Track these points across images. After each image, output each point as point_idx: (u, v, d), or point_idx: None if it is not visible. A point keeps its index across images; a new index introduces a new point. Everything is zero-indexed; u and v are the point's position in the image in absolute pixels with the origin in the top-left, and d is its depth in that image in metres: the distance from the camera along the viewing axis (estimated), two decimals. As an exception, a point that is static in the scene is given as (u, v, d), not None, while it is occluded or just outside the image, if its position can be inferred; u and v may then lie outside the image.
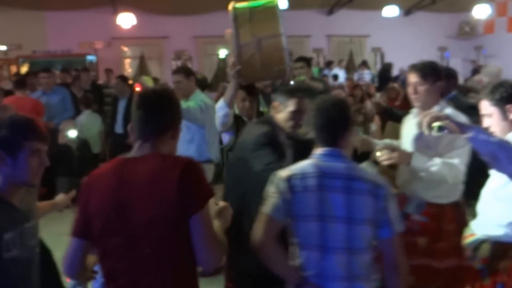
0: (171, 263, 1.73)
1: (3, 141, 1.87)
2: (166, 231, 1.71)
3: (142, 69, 13.28)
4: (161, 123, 1.81)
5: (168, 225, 1.70)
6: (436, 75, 2.81)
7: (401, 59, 11.66)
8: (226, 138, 3.56)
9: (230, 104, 3.24)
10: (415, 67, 2.83)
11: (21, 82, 6.72)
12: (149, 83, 4.10)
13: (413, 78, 2.81)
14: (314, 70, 13.23)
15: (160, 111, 1.81)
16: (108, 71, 10.69)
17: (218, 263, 1.83)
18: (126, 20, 11.59)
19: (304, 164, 2.08)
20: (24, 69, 11.64)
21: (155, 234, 1.70)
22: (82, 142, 6.47)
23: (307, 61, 5.18)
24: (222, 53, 12.96)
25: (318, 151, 2.10)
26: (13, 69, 12.01)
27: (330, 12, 14.15)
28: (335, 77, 11.93)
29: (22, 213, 1.99)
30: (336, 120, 2.06)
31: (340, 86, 10.06)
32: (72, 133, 6.04)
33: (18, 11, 11.91)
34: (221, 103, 3.24)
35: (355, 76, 12.19)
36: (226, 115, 3.26)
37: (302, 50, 14.01)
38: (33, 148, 1.91)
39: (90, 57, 12.41)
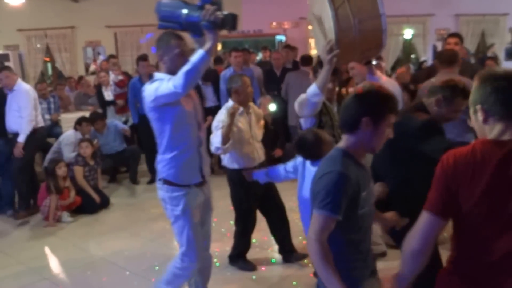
0: None
1: (372, 109, 2.00)
2: None
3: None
4: None
5: None
6: None
7: None
8: (307, 123, 3.49)
9: (324, 91, 3.23)
10: None
11: (218, 59, 8.36)
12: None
13: None
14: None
15: None
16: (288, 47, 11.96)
17: None
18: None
19: None
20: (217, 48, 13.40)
21: None
22: (276, 117, 6.63)
23: (461, 37, 5.09)
24: (407, 33, 12.89)
25: None
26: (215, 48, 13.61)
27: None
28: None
29: (368, 173, 2.17)
30: None
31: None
32: (272, 107, 6.26)
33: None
34: (314, 89, 3.21)
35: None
36: (319, 103, 3.29)
37: (497, 30, 12.94)
38: (391, 120, 2.04)
39: (279, 37, 13.30)
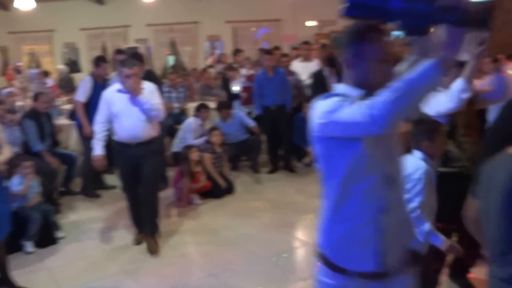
0: None
1: None
2: None
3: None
4: None
5: None
6: None
7: None
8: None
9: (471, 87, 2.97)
10: None
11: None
12: None
13: None
14: None
15: None
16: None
17: None
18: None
19: None
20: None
21: None
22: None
23: None
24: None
25: None
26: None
27: None
28: None
29: None
30: None
31: None
32: None
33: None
34: (463, 85, 2.94)
35: None
36: (466, 100, 2.99)
37: None
38: None
39: (396, 33, 13.01)
